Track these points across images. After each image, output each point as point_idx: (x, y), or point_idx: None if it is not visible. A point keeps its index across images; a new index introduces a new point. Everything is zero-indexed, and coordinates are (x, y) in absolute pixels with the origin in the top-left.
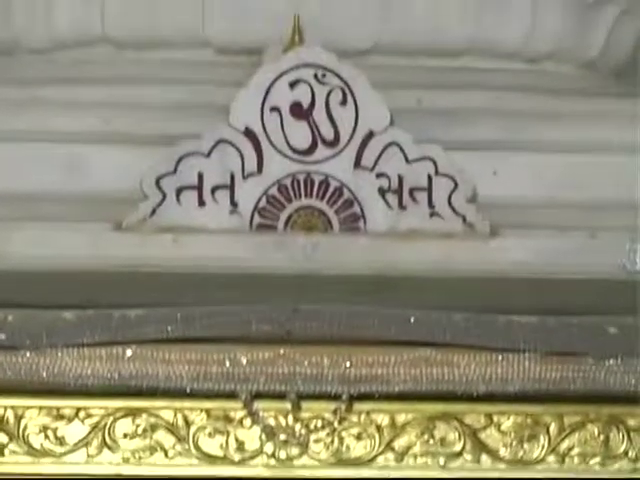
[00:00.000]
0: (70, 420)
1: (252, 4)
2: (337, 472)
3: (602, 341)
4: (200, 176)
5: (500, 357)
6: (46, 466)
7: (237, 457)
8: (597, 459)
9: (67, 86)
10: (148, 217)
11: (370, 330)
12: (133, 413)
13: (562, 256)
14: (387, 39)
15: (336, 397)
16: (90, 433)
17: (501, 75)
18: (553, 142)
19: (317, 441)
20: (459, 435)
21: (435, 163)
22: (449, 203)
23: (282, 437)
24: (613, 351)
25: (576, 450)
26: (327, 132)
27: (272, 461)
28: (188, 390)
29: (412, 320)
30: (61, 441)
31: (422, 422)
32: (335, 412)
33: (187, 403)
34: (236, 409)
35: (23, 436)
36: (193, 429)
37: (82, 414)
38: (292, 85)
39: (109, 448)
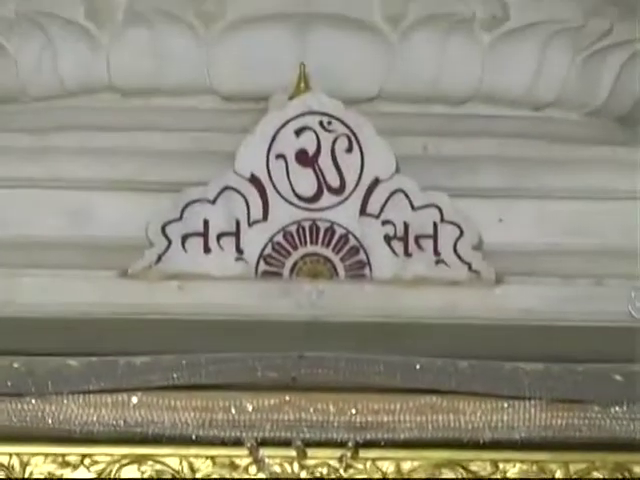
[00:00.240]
0: (76, 467)
1: (258, 52)
2: None
3: (608, 388)
4: (206, 223)
5: (506, 404)
6: None
7: None
8: None
9: (73, 133)
10: (154, 264)
11: (376, 377)
12: (139, 460)
13: (567, 303)
14: (392, 86)
15: (342, 444)
16: None
17: (506, 122)
18: (559, 189)
19: None
20: None
21: (441, 210)
22: (455, 250)
23: None
24: (619, 398)
25: None
26: (333, 179)
27: None
28: (194, 437)
29: (418, 367)
30: None
31: (428, 469)
32: (341, 459)
33: (193, 450)
34: (242, 456)
35: None
36: (199, 476)
37: (87, 461)
38: (298, 132)
39: None
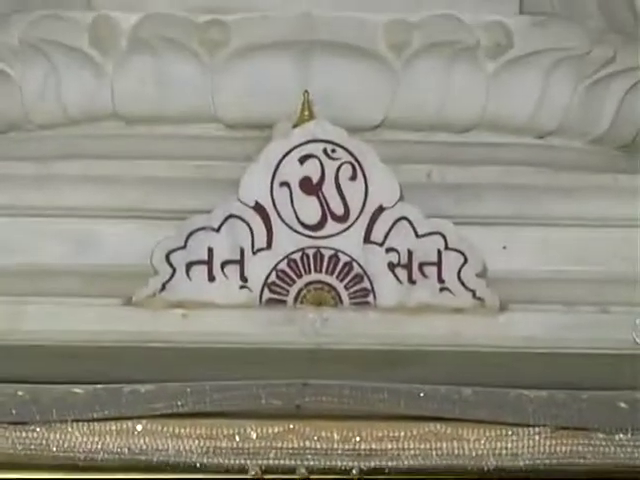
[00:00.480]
0: None
1: (262, 79)
2: None
3: (612, 416)
4: (210, 251)
5: (510, 432)
6: None
7: None
8: None
9: (77, 161)
10: (158, 292)
11: (380, 405)
12: None
13: (571, 331)
14: (396, 114)
15: (346, 472)
16: None
17: (510, 150)
18: (562, 217)
19: None
20: None
21: (445, 238)
22: (459, 278)
23: None
24: (623, 425)
25: None
26: (337, 207)
27: None
28: (198, 465)
29: (422, 394)
30: None
31: None
32: None
33: (197, 478)
34: None
35: None
36: None
37: None
38: (302, 160)
39: None
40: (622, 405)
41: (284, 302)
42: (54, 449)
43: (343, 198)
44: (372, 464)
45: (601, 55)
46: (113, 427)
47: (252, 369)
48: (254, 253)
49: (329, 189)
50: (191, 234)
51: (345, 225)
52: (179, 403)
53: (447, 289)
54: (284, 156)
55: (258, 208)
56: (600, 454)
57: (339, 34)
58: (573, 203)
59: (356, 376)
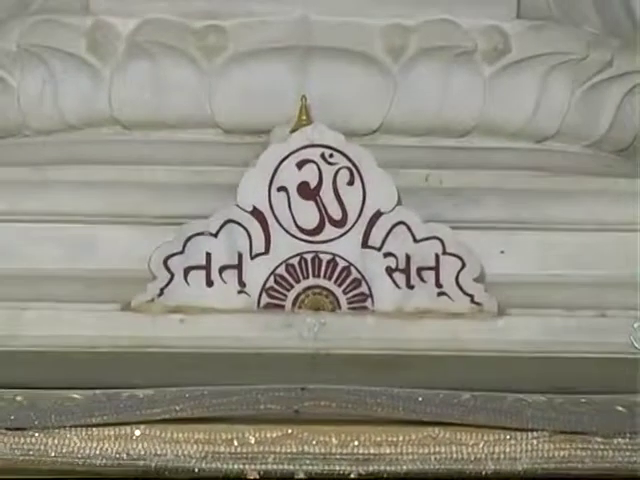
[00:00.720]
0: None
1: (259, 84)
2: None
3: (610, 420)
4: (208, 256)
5: (508, 436)
6: None
7: None
8: None
9: (75, 166)
10: (156, 297)
11: (378, 409)
12: None
13: (570, 335)
14: (394, 119)
15: (345, 476)
16: None
17: (508, 154)
18: (560, 221)
19: None
20: None
21: (443, 242)
22: (457, 282)
23: None
24: (622, 429)
25: None
26: (335, 212)
27: None
28: (196, 470)
29: (420, 399)
30: None
31: None
32: None
33: None
34: None
35: None
36: None
37: None
38: (299, 165)
39: None
40: (620, 409)
41: (282, 307)
42: (52, 455)
43: (341, 203)
44: (370, 469)
45: (598, 59)
46: (111, 432)
47: (250, 374)
48: (252, 258)
49: (327, 194)
50: (189, 239)
51: (343, 230)
52: (177, 408)
53: (445, 294)
54: (282, 161)
55: (256, 213)
56: (598, 458)
57: (336, 39)
58: (571, 207)
59: (354, 381)
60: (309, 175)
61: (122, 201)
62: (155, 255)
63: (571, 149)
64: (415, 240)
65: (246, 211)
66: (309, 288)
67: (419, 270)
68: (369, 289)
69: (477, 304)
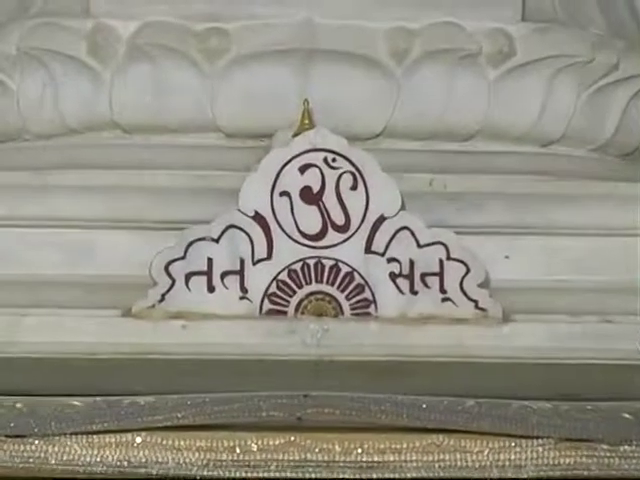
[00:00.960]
0: None
1: (262, 88)
2: None
3: (617, 426)
4: (210, 261)
5: (513, 443)
6: None
7: None
8: None
9: (76, 171)
10: (157, 303)
11: (382, 416)
12: None
13: (575, 341)
14: (398, 122)
15: None
16: None
17: (513, 158)
18: (565, 226)
19: None
20: None
21: (447, 247)
22: (461, 288)
23: None
24: (628, 437)
25: None
26: (337, 217)
27: None
28: (198, 478)
29: (424, 406)
30: None
31: None
32: None
33: None
34: None
35: None
36: None
37: None
38: (302, 169)
39: None
40: (626, 416)
41: (285, 313)
42: (53, 462)
43: (344, 208)
44: (374, 476)
45: (604, 62)
46: (112, 440)
47: (253, 381)
48: (254, 263)
49: (330, 199)
50: (190, 244)
51: (346, 235)
52: (179, 415)
53: (449, 299)
54: (284, 165)
55: (258, 218)
56: (604, 465)
57: (340, 42)
58: (576, 211)
59: (358, 387)
60: (312, 180)
61: (123, 206)
62: (156, 260)
63: (576, 153)
64: (419, 245)
65: (248, 216)
66: (312, 294)
67: (423, 275)
68: (372, 295)
69: (481, 310)
